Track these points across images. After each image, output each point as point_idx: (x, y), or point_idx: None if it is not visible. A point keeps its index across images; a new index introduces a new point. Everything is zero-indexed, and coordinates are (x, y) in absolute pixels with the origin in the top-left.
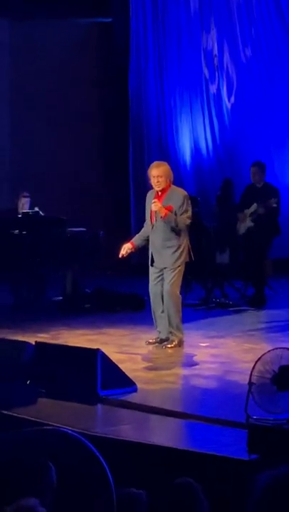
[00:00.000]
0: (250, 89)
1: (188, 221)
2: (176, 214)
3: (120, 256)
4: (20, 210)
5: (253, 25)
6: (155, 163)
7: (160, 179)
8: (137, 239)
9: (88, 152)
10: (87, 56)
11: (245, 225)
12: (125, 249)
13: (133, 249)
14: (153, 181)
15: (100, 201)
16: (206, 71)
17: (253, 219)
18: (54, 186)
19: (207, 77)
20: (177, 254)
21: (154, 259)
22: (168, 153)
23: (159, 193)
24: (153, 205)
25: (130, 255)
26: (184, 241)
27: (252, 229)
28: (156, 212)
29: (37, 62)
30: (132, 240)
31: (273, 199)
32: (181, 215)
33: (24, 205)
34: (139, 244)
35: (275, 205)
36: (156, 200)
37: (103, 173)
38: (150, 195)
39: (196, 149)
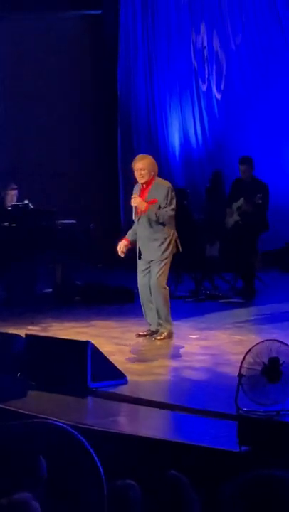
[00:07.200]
0: (239, 81)
1: (172, 213)
2: (160, 207)
3: (121, 254)
4: (9, 203)
5: (244, 13)
6: (139, 156)
7: (143, 172)
8: (131, 234)
9: (77, 144)
10: (76, 48)
11: (232, 218)
12: (121, 246)
13: (129, 245)
14: (136, 174)
15: (90, 193)
16: (195, 63)
17: (240, 214)
18: (43, 179)
19: (196, 69)
20: (164, 246)
21: (142, 253)
22: (157, 145)
23: (144, 186)
24: (132, 201)
25: (129, 250)
26: (171, 233)
27: (238, 223)
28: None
29: (25, 55)
30: (126, 236)
31: (258, 195)
32: (164, 207)
33: (13, 198)
34: (134, 238)
35: (260, 202)
36: (135, 195)
37: (92, 166)
38: (136, 188)
39: (185, 141)
